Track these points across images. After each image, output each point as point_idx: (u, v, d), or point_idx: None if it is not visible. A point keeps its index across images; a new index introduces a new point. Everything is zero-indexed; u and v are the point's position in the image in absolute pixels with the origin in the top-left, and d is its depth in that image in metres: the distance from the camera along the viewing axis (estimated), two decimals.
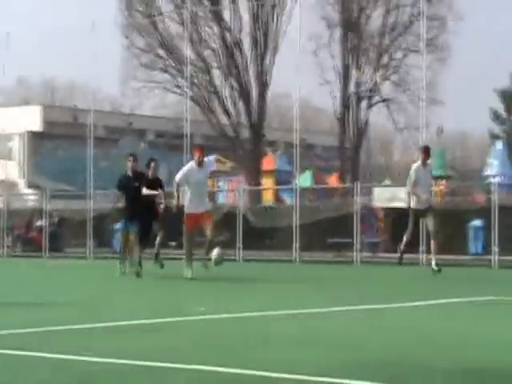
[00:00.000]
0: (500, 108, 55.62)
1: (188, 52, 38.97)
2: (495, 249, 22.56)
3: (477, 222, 25.92)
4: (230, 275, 18.02)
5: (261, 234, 32.50)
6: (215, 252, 15.53)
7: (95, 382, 5.17)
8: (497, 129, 53.81)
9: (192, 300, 12.38)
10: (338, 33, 45.62)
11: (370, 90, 44.31)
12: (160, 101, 49.66)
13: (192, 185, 16.20)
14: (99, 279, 18.45)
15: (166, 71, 45.81)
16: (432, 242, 18.17)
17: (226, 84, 46.13)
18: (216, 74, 46.19)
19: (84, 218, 32.06)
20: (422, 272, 22.84)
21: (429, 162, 17.82)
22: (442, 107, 43.77)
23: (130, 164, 17.89)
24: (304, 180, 36.03)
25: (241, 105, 46.00)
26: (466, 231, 26.64)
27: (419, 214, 17.52)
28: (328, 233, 29.23)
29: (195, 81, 44.48)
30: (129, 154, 18.60)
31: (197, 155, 16.37)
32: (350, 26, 44.29)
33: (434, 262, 17.36)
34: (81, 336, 7.59)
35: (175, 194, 16.58)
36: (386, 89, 44.91)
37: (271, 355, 6.39)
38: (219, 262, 15.58)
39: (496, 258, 22.54)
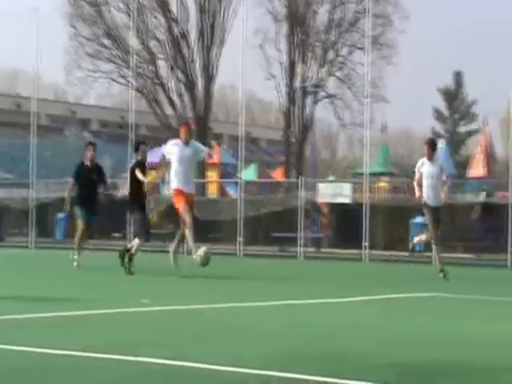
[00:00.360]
0: (443, 107, 56.44)
1: (133, 42, 38.64)
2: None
3: (419, 219, 26.18)
4: (172, 268, 17.69)
5: (205, 227, 31.71)
6: (202, 251, 14.60)
7: (27, 374, 5.13)
8: (439, 127, 54.57)
9: (138, 292, 12.29)
10: (284, 27, 45.98)
11: (316, 86, 44.51)
12: (105, 91, 49.41)
13: (176, 160, 15.20)
14: (41, 269, 18.25)
15: (111, 61, 45.46)
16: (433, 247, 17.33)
17: (171, 75, 45.94)
18: (162, 65, 46.02)
19: (25, 207, 31.68)
20: (364, 268, 23.06)
21: (436, 156, 16.92)
22: (386, 104, 44.26)
23: (89, 153, 17.16)
24: (248, 174, 36.08)
25: (186, 97, 45.86)
26: (409, 228, 26.94)
27: (432, 210, 16.07)
28: (272, 227, 29.32)
29: (140, 71, 44.23)
30: (88, 143, 18.01)
31: (183, 132, 15.49)
32: (297, 20, 44.48)
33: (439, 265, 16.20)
34: (18, 327, 7.55)
35: (160, 167, 16.11)
36: (331, 85, 45.22)
37: (210, 348, 6.40)
38: (206, 263, 14.62)
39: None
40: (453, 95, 55.91)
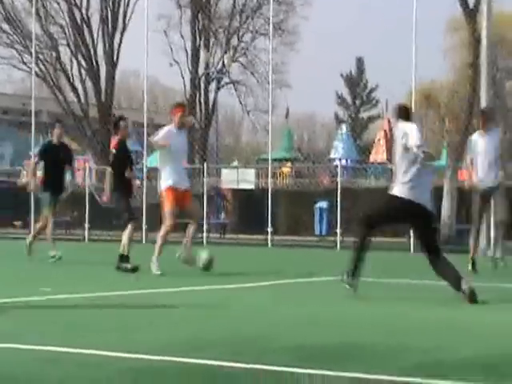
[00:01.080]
0: (345, 92, 57.48)
1: (34, 27, 38.16)
2: (338, 230, 23.30)
3: (322, 204, 26.80)
4: (77, 256, 17.98)
5: (108, 213, 31.39)
6: (205, 256, 13.18)
7: None
8: (342, 113, 55.68)
9: (40, 280, 12.28)
10: (188, 13, 46.42)
11: (219, 72, 44.96)
12: (5, 77, 49.39)
13: (171, 152, 13.51)
14: None
15: (11, 46, 45.21)
16: (497, 229, 15.01)
17: (74, 61, 46.07)
18: (64, 51, 46.04)
19: None
20: (268, 253, 23.41)
21: (494, 128, 14.21)
22: (289, 90, 44.91)
23: (58, 131, 16.15)
24: (153, 160, 36.23)
25: (89, 83, 46.13)
26: (313, 212, 27.49)
27: (484, 193, 13.75)
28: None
29: (42, 57, 43.96)
30: (56, 121, 17.22)
31: (179, 114, 13.68)
32: (200, 6, 45.04)
33: (497, 252, 14.32)
34: None
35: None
36: (235, 71, 45.73)
37: (107, 335, 6.49)
38: (208, 267, 13.11)
39: (339, 239, 23.29)
40: (355, 81, 57.15)
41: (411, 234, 21.45)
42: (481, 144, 13.56)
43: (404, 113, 10.02)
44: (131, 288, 10.90)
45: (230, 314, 8.12)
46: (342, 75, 57.76)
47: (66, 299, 9.50)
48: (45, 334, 6.67)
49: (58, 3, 44.06)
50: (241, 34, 46.82)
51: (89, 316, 8.06)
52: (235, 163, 40.13)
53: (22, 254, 16.09)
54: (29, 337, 6.38)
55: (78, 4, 44.25)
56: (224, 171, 30.22)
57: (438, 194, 26.74)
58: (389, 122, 31.75)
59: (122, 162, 14.68)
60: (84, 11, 44.63)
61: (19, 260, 15.76)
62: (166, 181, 13.35)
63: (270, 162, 27.89)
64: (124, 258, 13.67)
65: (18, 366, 5.28)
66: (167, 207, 13.23)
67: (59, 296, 9.66)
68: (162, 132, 13.66)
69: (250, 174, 32.75)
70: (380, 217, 9.90)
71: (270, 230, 25.41)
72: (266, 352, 5.74)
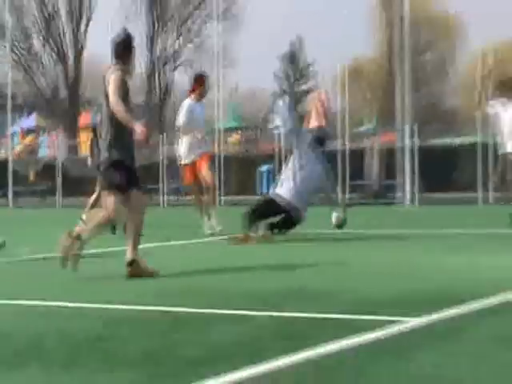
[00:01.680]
0: (285, 69, 58.85)
1: (8, 17, 38.65)
2: None
3: (265, 167, 28.11)
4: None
5: (78, 182, 32.28)
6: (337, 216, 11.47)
7: None
8: (282, 87, 57.26)
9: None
10: (145, 1, 47.85)
11: (174, 54, 46.11)
12: None
13: (192, 124, 12.56)
14: None
15: None
16: None
17: (44, 49, 46.61)
18: (36, 38, 46.67)
19: None
20: (219, 211, 23.98)
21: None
22: (236, 68, 46.16)
23: None
24: None
25: (59, 68, 46.63)
26: (256, 175, 28.72)
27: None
28: (140, 179, 30.56)
29: (16, 45, 44.34)
30: None
31: (199, 86, 12.72)
32: None
33: None
34: None
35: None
36: (188, 52, 46.87)
37: (82, 290, 6.65)
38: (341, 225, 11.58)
39: None
40: (294, 58, 58.10)
41: None
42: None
43: None
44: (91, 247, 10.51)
45: (182, 267, 8.10)
46: (280, 54, 58.85)
47: (45, 258, 9.27)
48: (20, 288, 6.84)
49: None
50: (192, 18, 47.88)
51: (64, 271, 7.74)
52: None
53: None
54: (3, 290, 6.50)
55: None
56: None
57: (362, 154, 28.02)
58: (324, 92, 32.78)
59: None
60: (51, 6, 45.75)
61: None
62: (185, 155, 12.51)
63: (220, 131, 29.41)
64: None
65: None
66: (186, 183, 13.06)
67: (37, 255, 9.44)
68: (183, 108, 12.71)
69: None
70: None
71: (220, 191, 26.26)
72: (219, 299, 5.98)
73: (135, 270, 7.21)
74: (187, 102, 12.60)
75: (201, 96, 12.68)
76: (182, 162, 12.56)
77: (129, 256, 7.28)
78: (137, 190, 7.63)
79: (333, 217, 11.38)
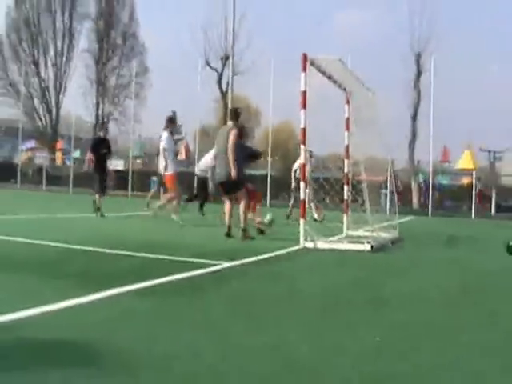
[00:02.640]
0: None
1: (23, 89, 51.23)
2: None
3: (154, 178, 31.61)
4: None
5: (55, 178, 45.20)
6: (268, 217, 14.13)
7: None
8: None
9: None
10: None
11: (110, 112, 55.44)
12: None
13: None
14: None
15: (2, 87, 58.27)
16: None
17: (41, 106, 59.04)
18: (38, 103, 59.02)
19: None
20: (129, 201, 29.20)
21: None
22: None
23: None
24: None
25: (47, 116, 58.60)
26: (150, 181, 34.74)
27: None
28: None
29: (25, 103, 53.82)
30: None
31: (170, 124, 15.05)
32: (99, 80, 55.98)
33: None
34: None
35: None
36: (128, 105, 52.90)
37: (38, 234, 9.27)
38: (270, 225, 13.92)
39: None
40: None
41: None
42: None
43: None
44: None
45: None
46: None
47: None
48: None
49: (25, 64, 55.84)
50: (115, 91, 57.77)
51: (42, 224, 10.79)
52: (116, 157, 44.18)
53: None
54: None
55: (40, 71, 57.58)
56: (112, 161, 33.48)
57: None
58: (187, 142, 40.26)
59: (98, 153, 16.55)
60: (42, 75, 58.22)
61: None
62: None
63: (130, 157, 40.21)
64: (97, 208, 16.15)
65: None
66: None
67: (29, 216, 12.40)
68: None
69: (120, 163, 45.61)
70: None
71: (129, 189, 37.17)
72: (171, 249, 8.33)
73: (245, 235, 11.03)
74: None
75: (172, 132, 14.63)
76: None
77: (242, 225, 11.19)
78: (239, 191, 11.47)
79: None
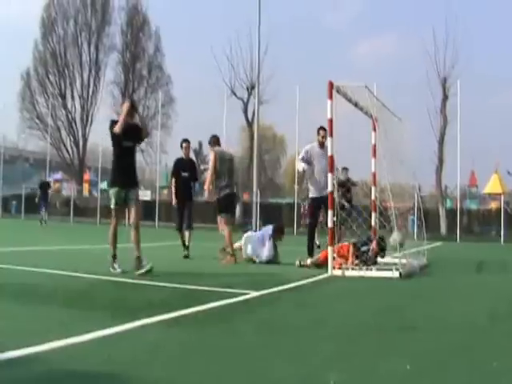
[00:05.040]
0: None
1: (50, 120, 54.36)
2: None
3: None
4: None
5: (83, 210, 46.40)
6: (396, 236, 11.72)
7: None
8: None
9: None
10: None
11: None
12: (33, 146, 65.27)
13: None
14: None
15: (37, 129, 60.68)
16: None
17: (69, 138, 61.86)
18: (66, 139, 61.88)
19: None
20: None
21: None
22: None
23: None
24: None
25: (75, 149, 61.15)
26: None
27: None
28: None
29: (53, 142, 57.50)
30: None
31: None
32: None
33: None
34: None
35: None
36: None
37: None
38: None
39: None
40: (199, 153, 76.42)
41: None
42: None
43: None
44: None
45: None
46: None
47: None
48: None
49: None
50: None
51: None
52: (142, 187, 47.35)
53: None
54: None
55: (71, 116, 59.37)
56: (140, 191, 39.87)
57: None
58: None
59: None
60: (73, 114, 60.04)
61: None
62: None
63: (157, 188, 42.65)
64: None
65: None
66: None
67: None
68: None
69: (147, 193, 46.19)
70: None
71: (156, 219, 39.12)
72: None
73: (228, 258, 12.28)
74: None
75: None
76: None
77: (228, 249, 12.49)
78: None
79: None
